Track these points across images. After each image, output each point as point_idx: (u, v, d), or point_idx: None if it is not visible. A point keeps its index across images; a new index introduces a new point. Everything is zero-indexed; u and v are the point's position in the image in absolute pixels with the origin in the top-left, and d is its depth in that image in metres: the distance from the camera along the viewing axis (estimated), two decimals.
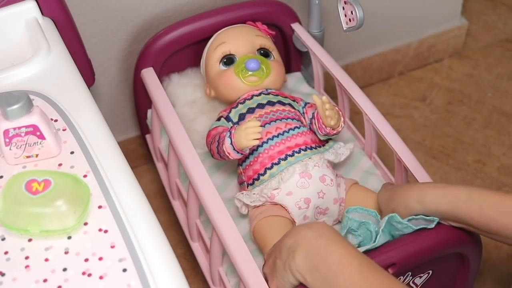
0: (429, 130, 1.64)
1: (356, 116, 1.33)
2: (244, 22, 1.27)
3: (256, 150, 1.11)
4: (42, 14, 1.02)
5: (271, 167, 1.09)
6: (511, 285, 1.34)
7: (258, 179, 1.10)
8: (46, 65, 0.94)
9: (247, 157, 1.12)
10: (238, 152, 1.08)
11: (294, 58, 1.40)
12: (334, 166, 1.17)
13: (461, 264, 1.01)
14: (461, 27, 1.77)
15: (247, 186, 1.13)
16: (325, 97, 1.09)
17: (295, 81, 1.41)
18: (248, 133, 1.05)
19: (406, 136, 1.62)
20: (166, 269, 0.70)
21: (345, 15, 1.13)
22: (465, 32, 1.79)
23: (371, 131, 1.18)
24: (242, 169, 1.14)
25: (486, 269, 1.36)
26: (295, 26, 1.34)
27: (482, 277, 1.34)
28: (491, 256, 1.38)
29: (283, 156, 1.09)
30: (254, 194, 1.09)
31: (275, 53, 1.23)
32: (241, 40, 1.20)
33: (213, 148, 1.11)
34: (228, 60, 1.19)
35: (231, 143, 1.07)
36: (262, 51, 1.21)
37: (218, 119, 1.16)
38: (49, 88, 0.91)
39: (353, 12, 1.10)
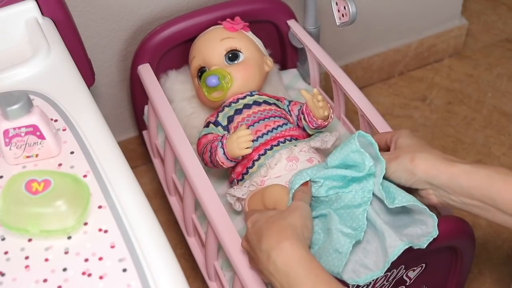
0: (429, 130, 1.64)
1: (356, 116, 1.33)
2: (242, 19, 1.27)
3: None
4: (42, 14, 1.02)
5: (258, 158, 1.10)
6: (511, 285, 1.34)
7: (247, 173, 1.11)
8: (46, 65, 0.94)
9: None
10: (231, 161, 1.09)
11: (290, 55, 1.41)
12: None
13: (455, 258, 1.02)
14: (461, 27, 1.77)
15: (237, 183, 1.13)
16: (316, 90, 1.10)
17: (291, 77, 1.41)
18: (240, 142, 1.06)
19: None
20: (166, 269, 0.70)
21: (338, 11, 1.14)
22: (465, 32, 1.79)
23: (365, 127, 1.19)
24: (232, 168, 1.15)
25: (486, 269, 1.36)
26: (291, 22, 1.35)
27: (482, 277, 1.34)
28: (491, 256, 1.38)
29: (268, 147, 1.10)
30: (244, 187, 1.09)
31: (246, 51, 1.20)
32: (208, 50, 1.20)
33: (206, 158, 1.12)
34: (202, 73, 1.20)
35: (224, 153, 1.08)
36: (230, 55, 1.19)
37: (207, 125, 1.17)
38: (49, 88, 0.91)
39: (346, 7, 1.11)
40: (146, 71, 1.27)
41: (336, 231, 0.89)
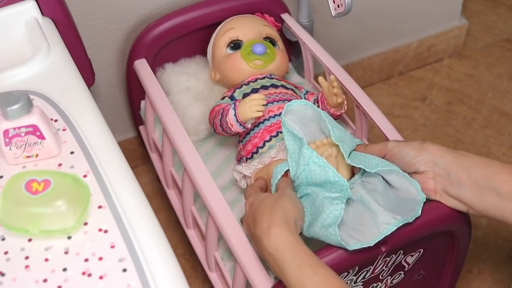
0: (429, 130, 1.64)
1: (352, 113, 1.33)
2: (236, 13, 1.29)
3: (258, 126, 1.13)
4: (42, 14, 1.02)
5: (270, 139, 1.11)
6: (511, 285, 1.34)
7: (257, 152, 1.12)
8: (46, 65, 0.94)
9: (248, 133, 1.14)
10: (240, 125, 1.10)
11: None
12: None
13: (451, 243, 1.03)
14: (461, 27, 1.77)
15: (246, 161, 1.14)
16: (333, 76, 1.12)
17: None
18: (253, 105, 1.07)
19: (406, 136, 1.62)
20: (166, 269, 0.70)
21: (334, 1, 1.16)
22: (465, 32, 1.79)
23: (361, 116, 1.20)
24: (242, 145, 1.16)
25: (487, 269, 1.36)
26: (285, 16, 1.36)
27: (482, 277, 1.34)
28: (491, 256, 1.38)
29: (281, 130, 1.10)
30: (253, 165, 1.10)
31: (280, 43, 1.25)
32: (249, 27, 1.23)
33: (216, 122, 1.13)
34: (235, 45, 1.22)
35: (235, 115, 1.09)
36: (268, 40, 1.24)
37: (222, 98, 1.19)
38: (49, 88, 0.91)
39: None
40: (142, 66, 1.28)
41: (324, 199, 0.91)
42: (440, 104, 1.71)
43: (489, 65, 1.80)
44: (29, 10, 1.00)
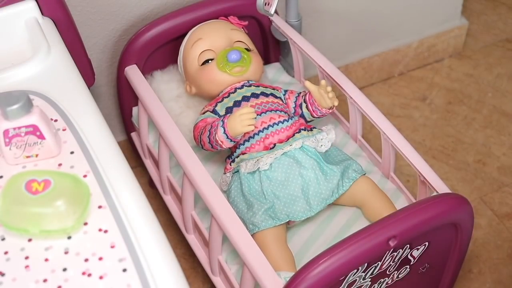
0: (429, 130, 1.64)
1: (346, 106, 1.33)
2: (223, 16, 1.28)
3: (248, 140, 1.12)
4: (42, 14, 1.02)
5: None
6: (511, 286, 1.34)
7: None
8: (46, 65, 0.94)
9: (237, 147, 1.13)
10: (231, 140, 1.09)
11: (272, 49, 1.41)
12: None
13: (455, 235, 1.04)
14: (461, 27, 1.77)
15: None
16: (323, 81, 1.13)
17: (275, 71, 1.42)
18: (243, 119, 1.07)
19: (406, 136, 1.61)
20: (166, 269, 0.70)
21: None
22: (465, 32, 1.79)
23: (355, 113, 1.19)
24: (230, 160, 1.16)
25: (487, 269, 1.36)
26: (273, 16, 1.35)
27: (482, 277, 1.34)
28: (491, 256, 1.38)
29: (277, 142, 1.12)
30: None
31: (250, 45, 1.23)
32: (217, 34, 1.20)
33: (204, 138, 1.12)
34: (208, 61, 1.19)
35: (224, 132, 1.08)
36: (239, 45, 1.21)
37: (204, 113, 1.17)
38: (49, 88, 0.91)
39: None
40: (133, 72, 1.26)
41: None
42: (440, 104, 1.71)
43: (489, 65, 1.80)
44: (29, 10, 1.00)
